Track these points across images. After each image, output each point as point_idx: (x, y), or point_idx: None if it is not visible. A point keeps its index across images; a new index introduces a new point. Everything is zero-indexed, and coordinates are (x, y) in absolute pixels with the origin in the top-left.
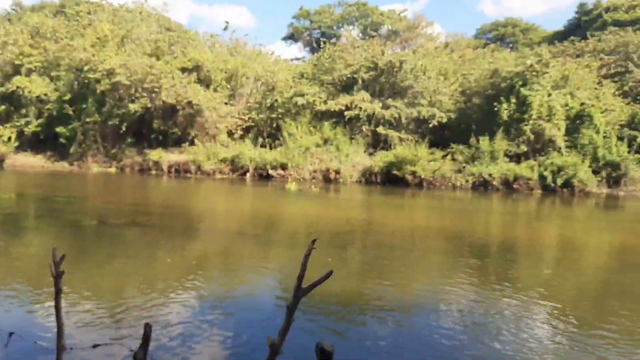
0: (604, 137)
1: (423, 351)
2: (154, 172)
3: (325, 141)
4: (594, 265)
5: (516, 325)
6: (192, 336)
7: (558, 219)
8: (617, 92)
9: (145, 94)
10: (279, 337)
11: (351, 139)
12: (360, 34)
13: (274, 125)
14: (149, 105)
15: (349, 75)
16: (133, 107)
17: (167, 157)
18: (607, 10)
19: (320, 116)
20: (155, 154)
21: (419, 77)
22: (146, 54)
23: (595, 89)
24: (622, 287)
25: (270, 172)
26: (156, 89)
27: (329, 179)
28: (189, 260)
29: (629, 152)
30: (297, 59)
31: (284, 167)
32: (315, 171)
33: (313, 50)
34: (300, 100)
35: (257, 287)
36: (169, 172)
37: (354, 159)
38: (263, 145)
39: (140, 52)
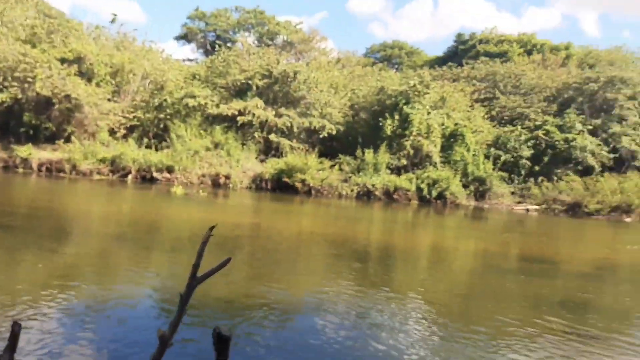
0: (473, 155)
1: (306, 349)
2: (21, 170)
3: (216, 145)
4: (463, 268)
5: (394, 324)
6: (64, 339)
7: (432, 227)
8: (485, 116)
9: (15, 84)
10: (170, 329)
11: (243, 144)
12: (256, 41)
13: (162, 126)
14: (20, 96)
15: (243, 81)
16: (0, 96)
17: (38, 154)
18: (480, 42)
19: (211, 120)
20: (23, 150)
21: (311, 89)
22: (20, 39)
23: (468, 111)
24: (487, 287)
25: (155, 174)
26: (29, 79)
27: (218, 184)
28: (60, 264)
29: (493, 169)
30: (190, 60)
31: (170, 170)
32: (204, 175)
33: (207, 53)
34: (191, 102)
35: (135, 290)
36: (39, 170)
37: (245, 164)
38: (148, 146)
39: (13, 37)
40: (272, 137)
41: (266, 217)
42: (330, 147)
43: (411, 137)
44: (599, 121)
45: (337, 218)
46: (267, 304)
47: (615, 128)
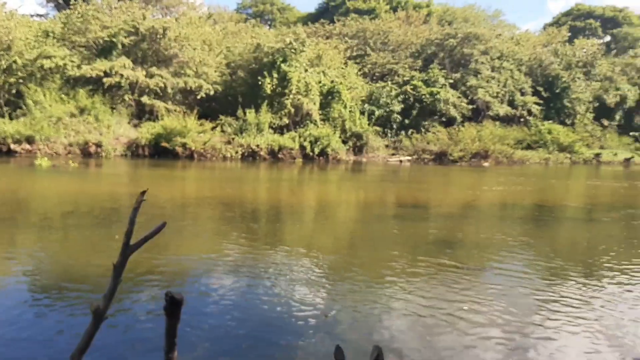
0: (350, 111)
1: (198, 313)
2: None
3: (82, 111)
4: (347, 218)
5: (286, 278)
6: None
7: (317, 182)
8: (358, 72)
9: None
10: (105, 301)
11: (112, 108)
12: None
13: (13, 91)
14: None
15: (106, 39)
16: None
17: None
18: None
19: (73, 83)
20: None
21: (184, 47)
22: None
23: (342, 68)
24: (370, 233)
25: (13, 146)
26: None
27: (88, 153)
28: None
29: (368, 124)
30: (39, 15)
31: (30, 140)
32: (71, 145)
33: (59, 7)
34: (46, 63)
35: (3, 278)
36: None
37: (117, 130)
38: (0, 115)
39: None
40: (145, 99)
41: (147, 184)
42: (210, 108)
43: (291, 96)
44: (458, 75)
45: (223, 180)
46: (155, 271)
47: (472, 81)
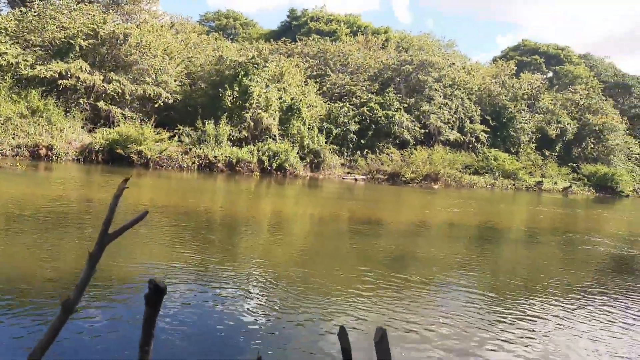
0: (309, 128)
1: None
2: None
3: (33, 112)
4: (302, 232)
5: (238, 290)
6: None
7: (273, 196)
8: (318, 92)
9: None
10: (76, 293)
11: (66, 112)
12: None
13: None
14: None
15: (63, 40)
16: None
17: None
18: (312, 19)
19: (25, 82)
20: None
21: (144, 54)
22: None
23: (303, 86)
24: (324, 248)
25: None
26: None
27: (38, 156)
28: None
29: (326, 142)
30: None
31: None
32: (19, 146)
33: (12, 4)
34: None
35: None
36: None
37: (70, 134)
38: None
39: None
40: (101, 104)
41: (99, 190)
42: (168, 117)
43: (251, 110)
44: (412, 100)
45: (178, 190)
46: (104, 279)
47: (425, 107)
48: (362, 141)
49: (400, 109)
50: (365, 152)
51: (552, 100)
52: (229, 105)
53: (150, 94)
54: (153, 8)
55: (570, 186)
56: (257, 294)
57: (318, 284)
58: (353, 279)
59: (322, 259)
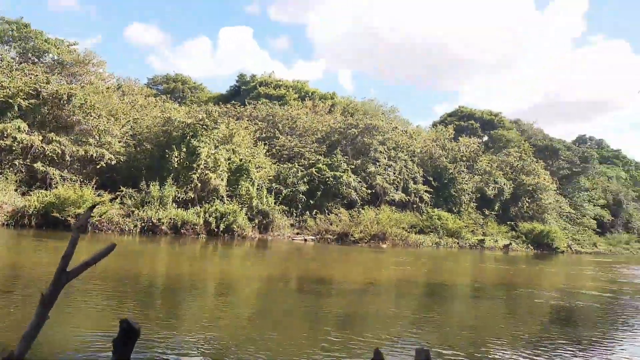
0: (258, 189)
1: None
2: None
3: None
4: (250, 294)
5: (183, 357)
6: None
7: (221, 258)
8: (267, 153)
9: None
10: (24, 342)
11: None
12: (18, 57)
13: None
14: None
15: (2, 99)
16: None
17: None
18: (261, 84)
19: None
20: None
21: (89, 114)
22: None
23: (252, 148)
24: (274, 309)
25: None
26: None
27: None
28: None
29: (275, 203)
30: None
31: None
32: None
33: None
34: None
35: None
36: None
37: (2, 197)
38: None
39: None
40: (38, 165)
41: (29, 255)
42: (110, 179)
43: (199, 170)
44: (359, 161)
45: (119, 254)
46: (32, 355)
47: (371, 168)
48: (311, 201)
49: (347, 170)
50: (314, 213)
51: (488, 162)
52: (176, 166)
53: (92, 155)
54: (99, 70)
55: (510, 243)
56: None
57: (267, 347)
58: (303, 340)
59: (272, 322)
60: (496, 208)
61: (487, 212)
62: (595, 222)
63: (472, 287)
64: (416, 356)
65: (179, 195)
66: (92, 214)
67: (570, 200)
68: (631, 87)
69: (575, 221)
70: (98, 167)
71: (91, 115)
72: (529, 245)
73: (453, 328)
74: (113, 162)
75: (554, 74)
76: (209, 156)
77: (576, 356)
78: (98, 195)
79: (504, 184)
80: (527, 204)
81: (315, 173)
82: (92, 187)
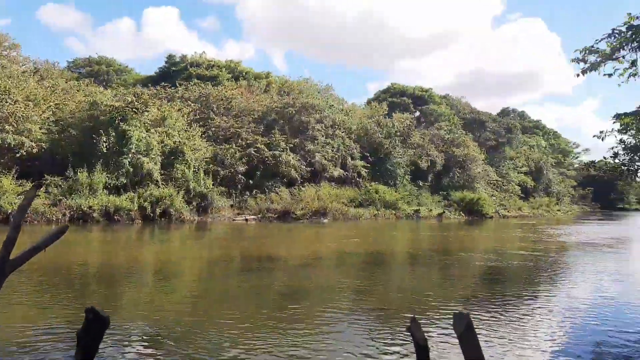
0: (194, 171)
1: None
2: None
3: None
4: (192, 276)
5: (120, 346)
6: None
7: (158, 243)
8: (203, 135)
9: None
10: None
11: None
12: None
13: None
14: None
15: None
16: None
17: None
18: (192, 65)
19: None
20: None
21: (3, 100)
22: None
23: (186, 130)
24: (219, 289)
25: None
26: None
27: None
28: None
29: (213, 184)
30: None
31: None
32: None
33: None
34: None
35: None
36: None
37: None
38: None
39: None
40: None
41: None
42: (32, 168)
43: (130, 155)
44: (297, 140)
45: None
46: None
47: (310, 146)
48: (251, 181)
49: (286, 149)
50: (254, 192)
51: (421, 136)
52: (105, 151)
53: (10, 144)
54: (13, 53)
55: (444, 212)
56: (141, 349)
57: (213, 329)
58: (250, 319)
59: (216, 303)
60: (429, 179)
61: (421, 184)
62: (519, 188)
63: (410, 254)
64: (455, 322)
65: (110, 181)
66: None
67: (497, 169)
68: (547, 62)
69: (501, 188)
70: (18, 155)
71: (6, 102)
72: (461, 212)
73: (394, 293)
74: (34, 150)
75: (478, 51)
76: (141, 140)
77: (503, 310)
78: (19, 185)
79: (436, 157)
80: (458, 174)
81: (254, 153)
82: (12, 176)
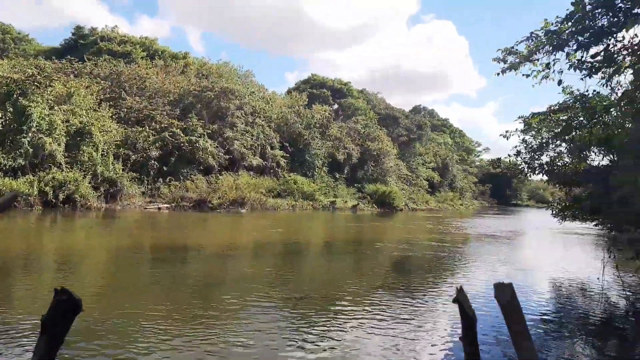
0: (103, 155)
1: None
2: None
3: None
4: (99, 268)
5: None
6: None
7: (61, 232)
8: (113, 116)
9: None
10: None
11: None
12: None
13: None
14: None
15: None
16: None
17: None
18: (102, 39)
19: None
20: None
21: None
22: None
23: (95, 110)
24: (126, 281)
25: None
26: None
27: None
28: None
29: (123, 170)
30: None
31: None
32: None
33: None
34: None
35: None
36: None
37: None
38: None
39: None
40: None
41: None
42: None
43: (30, 134)
44: (215, 126)
45: None
46: None
47: (229, 133)
48: (165, 168)
49: (203, 134)
50: (168, 180)
51: (339, 129)
52: (0, 128)
53: None
54: None
55: (358, 204)
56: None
57: (122, 322)
58: (161, 311)
59: (124, 294)
60: (345, 172)
61: (337, 176)
62: (427, 182)
63: (325, 245)
64: (498, 291)
65: (6, 162)
66: None
67: (408, 163)
68: (455, 65)
69: (411, 182)
70: None
71: None
72: (374, 204)
73: (306, 282)
74: None
75: (393, 48)
76: (43, 118)
77: (411, 296)
78: None
79: (353, 150)
80: (372, 168)
81: (169, 137)
82: None
